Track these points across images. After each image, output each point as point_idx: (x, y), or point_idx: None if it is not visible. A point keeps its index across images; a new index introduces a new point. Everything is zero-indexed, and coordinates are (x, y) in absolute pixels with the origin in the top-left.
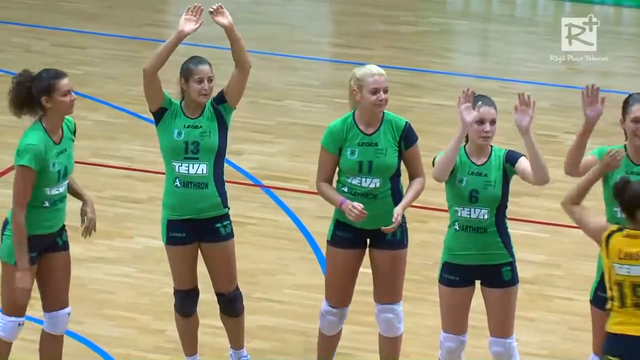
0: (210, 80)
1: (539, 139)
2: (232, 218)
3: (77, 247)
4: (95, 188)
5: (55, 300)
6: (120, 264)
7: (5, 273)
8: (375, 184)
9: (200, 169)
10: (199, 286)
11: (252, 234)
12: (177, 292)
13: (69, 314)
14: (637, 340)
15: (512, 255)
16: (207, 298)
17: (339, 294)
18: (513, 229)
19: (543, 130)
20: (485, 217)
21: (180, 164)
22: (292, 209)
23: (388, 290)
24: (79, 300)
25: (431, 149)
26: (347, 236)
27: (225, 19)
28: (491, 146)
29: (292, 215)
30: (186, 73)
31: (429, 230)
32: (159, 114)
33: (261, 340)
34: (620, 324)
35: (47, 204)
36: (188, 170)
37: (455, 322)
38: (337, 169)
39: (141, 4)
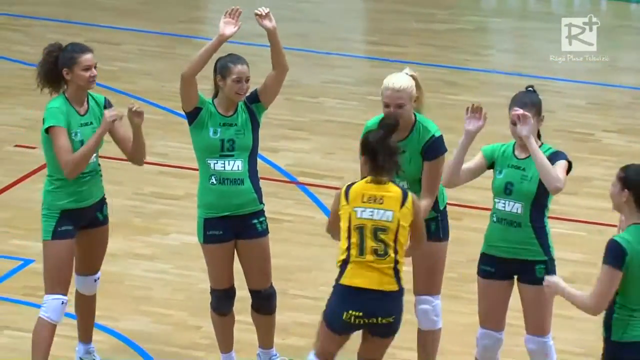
0: (247, 80)
1: (576, 137)
2: (267, 215)
3: (114, 244)
4: (130, 184)
5: (89, 267)
6: (157, 261)
7: (46, 250)
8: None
9: (236, 165)
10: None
11: (288, 230)
12: (213, 292)
13: (95, 280)
14: (369, 293)
15: (548, 254)
16: (243, 295)
17: None
18: (551, 227)
19: (580, 129)
20: (519, 211)
21: (215, 162)
22: (327, 206)
23: (424, 283)
24: (115, 297)
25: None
26: None
27: (271, 22)
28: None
29: (327, 212)
30: (224, 71)
31: (464, 227)
32: (194, 114)
33: (298, 337)
34: (353, 276)
35: None
36: (224, 167)
37: (491, 316)
38: None
39: (176, 0)
